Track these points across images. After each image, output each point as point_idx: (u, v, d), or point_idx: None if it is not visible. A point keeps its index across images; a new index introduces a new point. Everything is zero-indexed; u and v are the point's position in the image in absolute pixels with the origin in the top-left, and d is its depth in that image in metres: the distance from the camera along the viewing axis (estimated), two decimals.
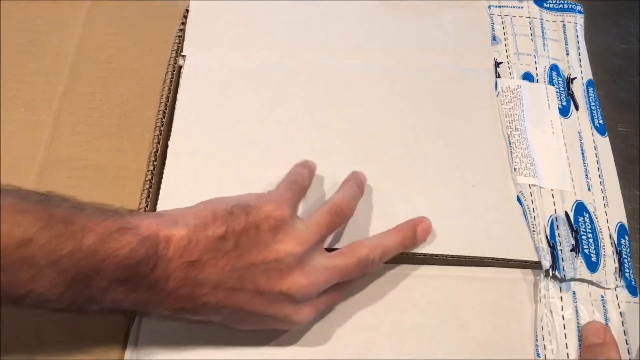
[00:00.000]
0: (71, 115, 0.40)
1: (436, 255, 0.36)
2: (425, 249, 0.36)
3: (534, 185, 0.38)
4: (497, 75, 0.43)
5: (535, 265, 0.36)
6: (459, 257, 0.36)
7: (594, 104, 0.43)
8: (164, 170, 0.38)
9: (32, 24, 0.44)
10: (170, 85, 0.43)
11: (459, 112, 0.41)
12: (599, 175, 0.40)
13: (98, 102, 0.41)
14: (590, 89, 0.43)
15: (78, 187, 0.38)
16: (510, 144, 0.40)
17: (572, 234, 0.37)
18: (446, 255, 0.36)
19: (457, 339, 0.34)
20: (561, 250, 0.36)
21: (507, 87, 0.42)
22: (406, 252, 0.35)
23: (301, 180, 0.35)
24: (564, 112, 0.42)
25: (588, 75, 0.44)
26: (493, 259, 0.36)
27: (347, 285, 0.34)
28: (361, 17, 0.46)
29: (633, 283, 0.36)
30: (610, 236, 0.37)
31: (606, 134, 0.42)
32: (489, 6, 0.46)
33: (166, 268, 0.28)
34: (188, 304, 0.29)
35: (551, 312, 0.34)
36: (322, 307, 0.32)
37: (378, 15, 0.46)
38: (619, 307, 0.35)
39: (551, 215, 0.37)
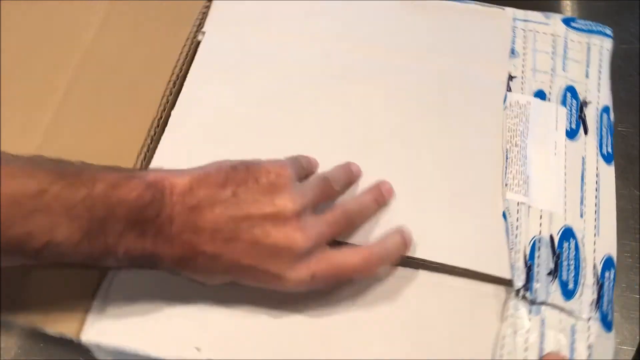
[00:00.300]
0: (82, 87, 0.41)
1: (411, 258, 0.36)
2: None
3: (523, 203, 0.37)
4: (508, 89, 0.42)
5: (508, 283, 0.35)
6: (431, 262, 0.35)
7: (605, 130, 0.41)
8: (162, 137, 0.39)
9: (47, 18, 0.45)
10: (186, 58, 0.44)
11: (462, 120, 0.41)
12: (595, 203, 0.38)
13: (111, 74, 0.42)
14: (605, 115, 0.42)
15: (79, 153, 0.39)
16: (507, 158, 0.39)
17: (552, 258, 0.36)
18: (416, 259, 0.35)
19: (415, 346, 0.34)
20: (538, 272, 0.35)
21: (515, 102, 0.41)
22: None
23: (302, 160, 0.36)
24: (572, 134, 0.41)
25: (605, 101, 0.43)
26: (466, 270, 0.35)
27: (341, 259, 0.33)
28: (384, 14, 0.46)
29: (609, 318, 0.35)
30: (595, 266, 0.36)
31: (612, 162, 0.40)
32: (515, 19, 0.45)
33: (170, 212, 0.29)
34: (188, 252, 0.30)
35: (515, 332, 0.34)
36: (317, 272, 0.31)
37: (400, 13, 0.46)
38: (589, 339, 0.34)
39: (535, 236, 0.36)
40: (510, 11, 0.46)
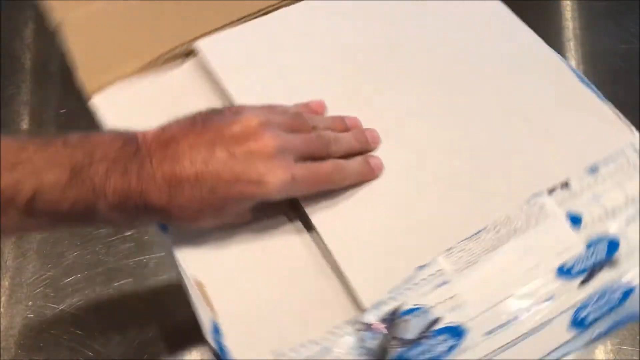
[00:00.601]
0: None
1: (321, 233, 0.37)
2: (321, 220, 0.37)
3: (444, 274, 0.35)
4: (550, 191, 0.38)
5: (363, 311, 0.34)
6: (328, 244, 0.36)
7: (605, 303, 0.35)
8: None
9: None
10: None
11: (479, 179, 0.38)
12: (517, 338, 0.34)
13: None
14: (623, 295, 0.35)
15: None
16: (475, 234, 0.36)
17: (419, 334, 0.33)
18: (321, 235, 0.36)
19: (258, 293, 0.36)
20: (393, 330, 0.33)
21: (540, 205, 0.37)
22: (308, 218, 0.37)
23: (279, 106, 0.38)
24: (565, 273, 0.35)
25: (636, 282, 0.35)
26: (346, 277, 0.35)
27: (317, 166, 0.35)
28: (516, 64, 0.44)
29: None
30: None
31: (577, 332, 0.34)
32: (632, 145, 0.39)
33: (148, 149, 0.33)
34: (173, 181, 0.32)
35: (328, 349, 0.33)
36: (297, 173, 0.34)
37: (537, 73, 0.43)
38: None
39: (425, 306, 0.34)
40: (634, 136, 0.39)
